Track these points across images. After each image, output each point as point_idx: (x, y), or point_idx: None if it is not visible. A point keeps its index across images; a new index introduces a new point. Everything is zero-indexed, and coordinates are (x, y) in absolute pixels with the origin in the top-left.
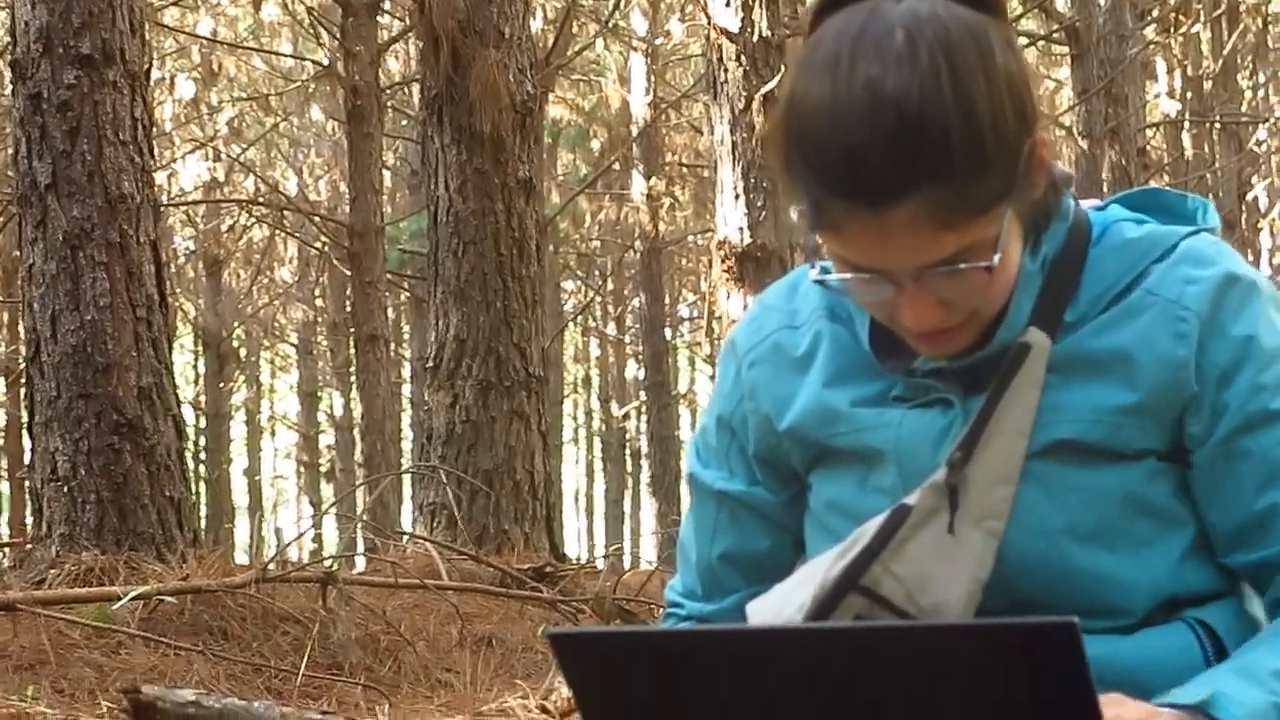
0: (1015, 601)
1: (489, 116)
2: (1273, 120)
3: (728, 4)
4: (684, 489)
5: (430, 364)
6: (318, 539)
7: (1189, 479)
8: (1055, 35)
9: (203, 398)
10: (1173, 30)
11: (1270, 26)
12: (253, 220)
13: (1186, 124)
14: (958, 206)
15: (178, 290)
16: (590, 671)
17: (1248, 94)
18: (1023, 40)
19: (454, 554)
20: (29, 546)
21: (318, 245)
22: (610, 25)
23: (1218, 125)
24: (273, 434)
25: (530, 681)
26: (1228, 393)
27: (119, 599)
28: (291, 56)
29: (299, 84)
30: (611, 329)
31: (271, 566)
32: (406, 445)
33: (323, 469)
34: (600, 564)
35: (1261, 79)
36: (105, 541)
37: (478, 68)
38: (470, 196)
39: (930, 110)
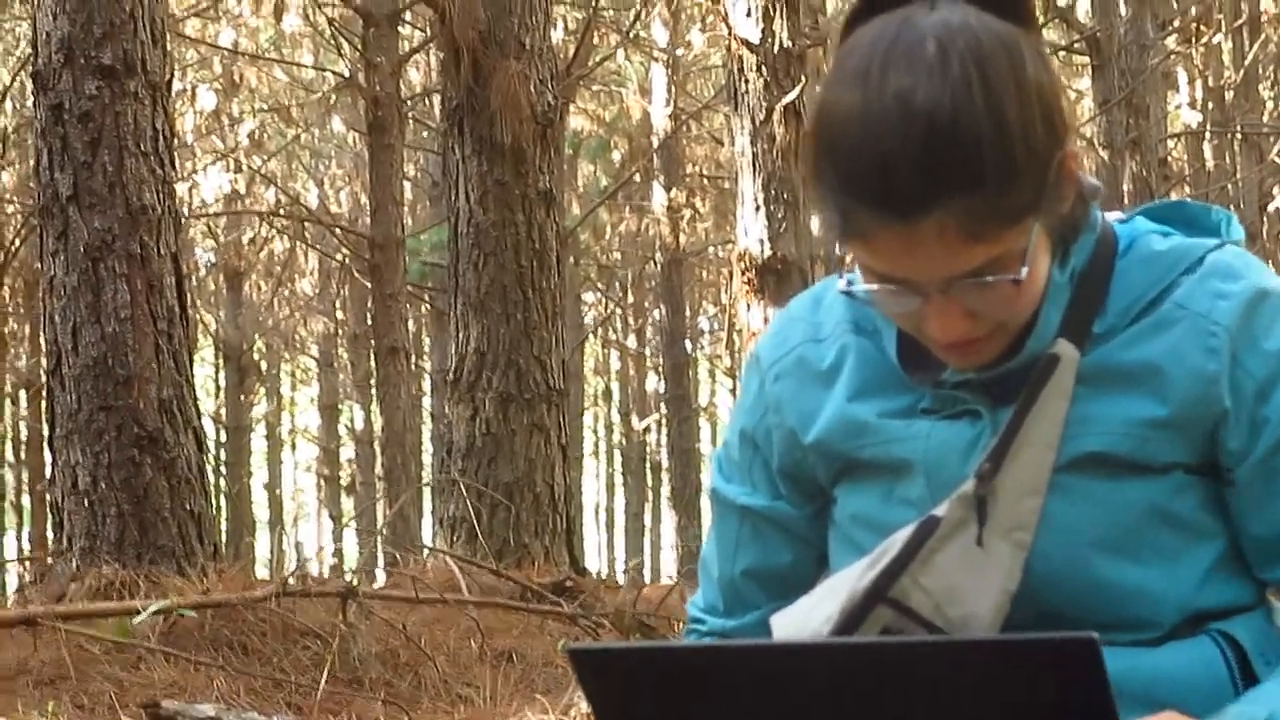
0: (1042, 614)
1: (510, 127)
2: None
3: (748, 14)
4: (704, 503)
5: (451, 377)
6: (338, 553)
7: (1226, 494)
8: (1076, 45)
9: (223, 411)
10: (1194, 40)
11: None
12: (273, 232)
13: (1208, 135)
14: (987, 217)
15: (198, 302)
16: (610, 687)
17: (1269, 104)
18: None
19: (474, 568)
20: (50, 560)
21: (338, 257)
22: (631, 36)
23: (1239, 136)
24: (293, 447)
25: (550, 696)
26: (1266, 407)
27: (139, 613)
28: (313, 68)
29: (320, 95)
30: (632, 341)
31: (292, 581)
32: (427, 458)
33: (343, 482)
34: (620, 578)
35: None
36: (126, 555)
37: (498, 79)
38: (491, 208)
39: (962, 121)
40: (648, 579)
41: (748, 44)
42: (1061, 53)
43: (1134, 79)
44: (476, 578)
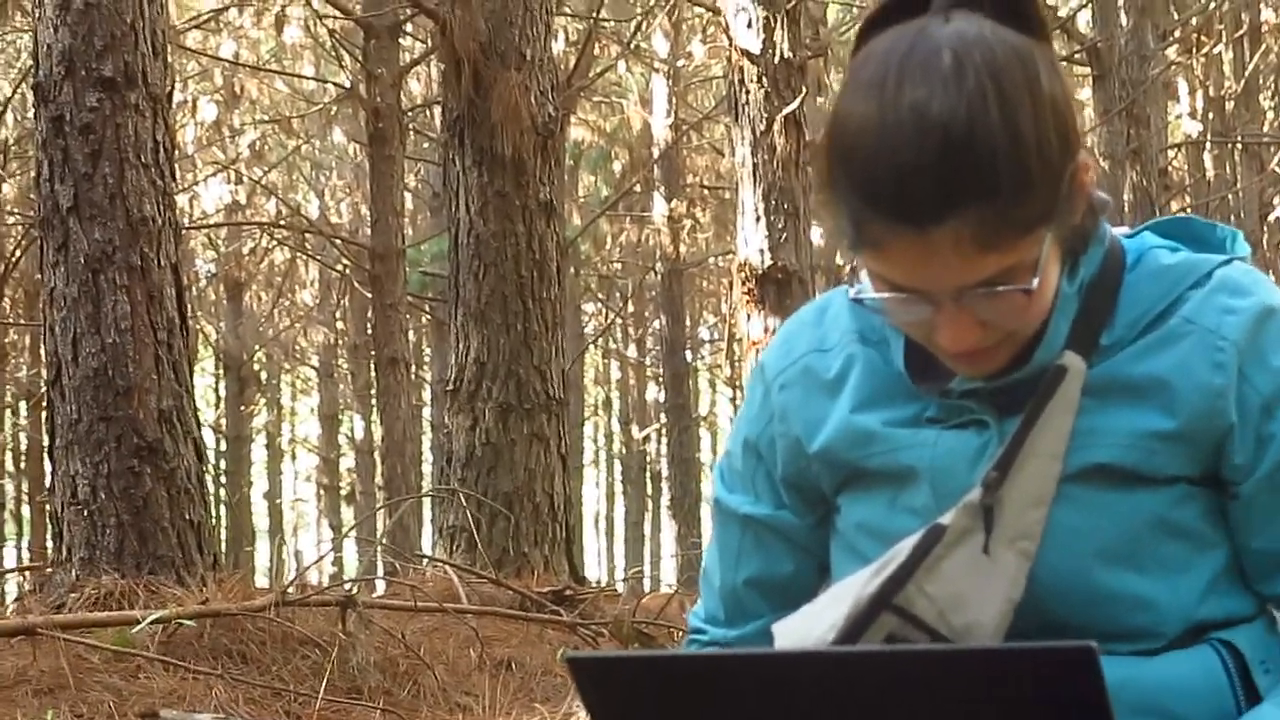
0: (1047, 623)
1: (510, 139)
2: None
3: (749, 25)
4: (704, 512)
5: (450, 387)
6: (338, 562)
7: (1230, 508)
8: (1077, 56)
9: (223, 421)
10: (1195, 51)
11: None
12: (274, 243)
13: (1208, 145)
14: (1001, 228)
15: (199, 313)
16: (609, 696)
17: (1270, 114)
18: None
19: (473, 577)
20: (49, 570)
21: (339, 268)
22: (632, 47)
23: (1240, 146)
24: (293, 457)
25: (549, 705)
26: (1272, 423)
27: (139, 623)
28: (313, 79)
29: (321, 107)
30: (632, 351)
31: (291, 590)
32: (427, 468)
33: (343, 492)
34: (620, 587)
35: None
36: (125, 565)
37: (499, 90)
38: (491, 219)
39: (977, 132)
40: (647, 588)
41: (748, 55)
42: (1062, 63)
43: (1134, 89)
44: (476, 587)
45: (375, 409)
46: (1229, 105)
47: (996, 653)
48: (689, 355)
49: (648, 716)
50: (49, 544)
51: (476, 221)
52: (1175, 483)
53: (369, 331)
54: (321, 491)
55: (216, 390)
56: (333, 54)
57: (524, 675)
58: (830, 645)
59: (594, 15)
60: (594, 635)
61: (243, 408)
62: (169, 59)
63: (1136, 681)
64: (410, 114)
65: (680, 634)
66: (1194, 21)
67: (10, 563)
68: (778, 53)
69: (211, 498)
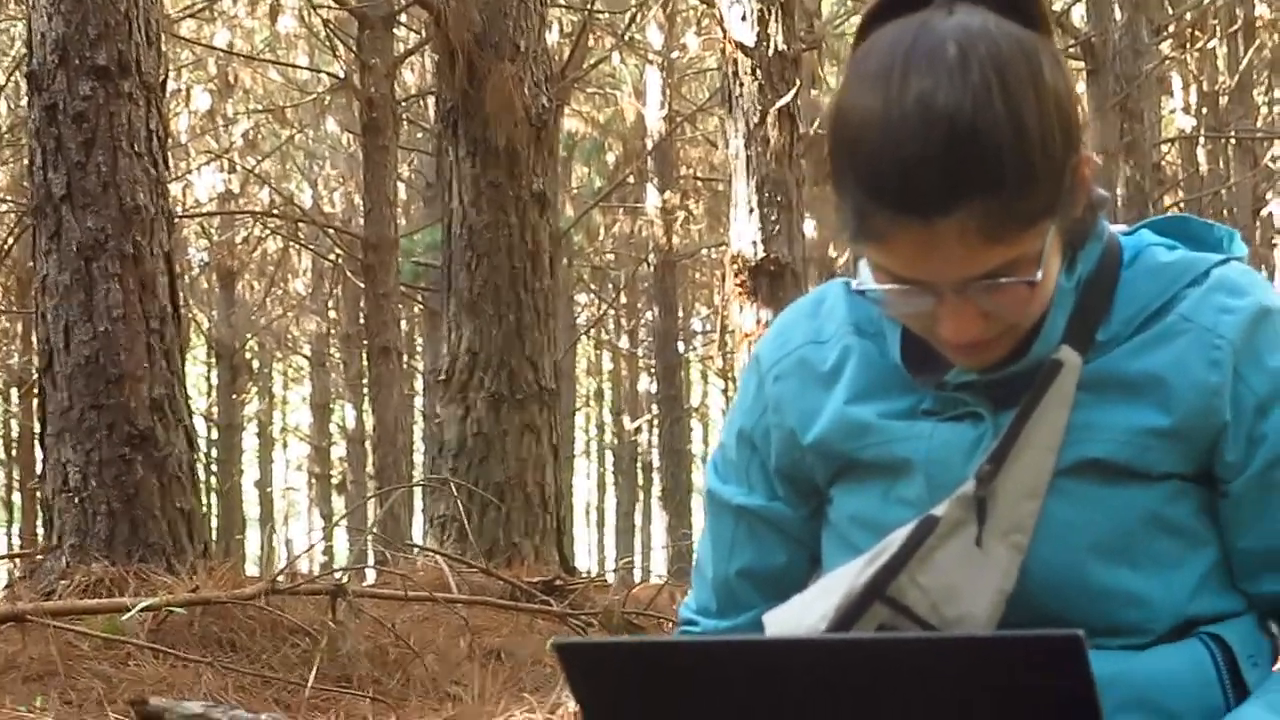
0: (1038, 617)
1: (504, 129)
2: None
3: (744, 18)
4: (695, 503)
5: (443, 376)
6: (328, 551)
7: (1219, 506)
8: (1071, 50)
9: (215, 409)
10: (1189, 45)
11: None
12: (267, 232)
13: (1202, 139)
14: (1006, 220)
15: (191, 302)
16: (597, 683)
17: (1263, 109)
18: None
19: (464, 567)
20: (39, 557)
21: (332, 257)
22: (626, 38)
23: (1233, 141)
24: (285, 446)
25: (538, 695)
26: (1265, 424)
27: (129, 610)
28: (307, 69)
29: (314, 96)
30: (624, 342)
31: (281, 578)
32: (418, 458)
33: (334, 481)
34: (610, 578)
35: (1277, 94)
36: (116, 552)
37: (493, 81)
38: (484, 209)
39: (982, 124)
40: (638, 579)
41: (743, 47)
42: None
43: (1128, 84)
44: (466, 576)
45: (367, 398)
46: (1222, 100)
47: (984, 640)
48: (681, 347)
49: (636, 703)
50: (40, 531)
51: (470, 212)
52: (1168, 479)
53: (361, 321)
54: (312, 480)
55: (208, 378)
56: (327, 44)
57: (514, 665)
58: (816, 633)
59: (588, 7)
60: (584, 625)
61: (234, 396)
62: (163, 48)
63: (1125, 675)
64: (404, 104)
65: (670, 625)
66: (1188, 16)
67: (0, 549)
68: (772, 45)
69: (202, 486)
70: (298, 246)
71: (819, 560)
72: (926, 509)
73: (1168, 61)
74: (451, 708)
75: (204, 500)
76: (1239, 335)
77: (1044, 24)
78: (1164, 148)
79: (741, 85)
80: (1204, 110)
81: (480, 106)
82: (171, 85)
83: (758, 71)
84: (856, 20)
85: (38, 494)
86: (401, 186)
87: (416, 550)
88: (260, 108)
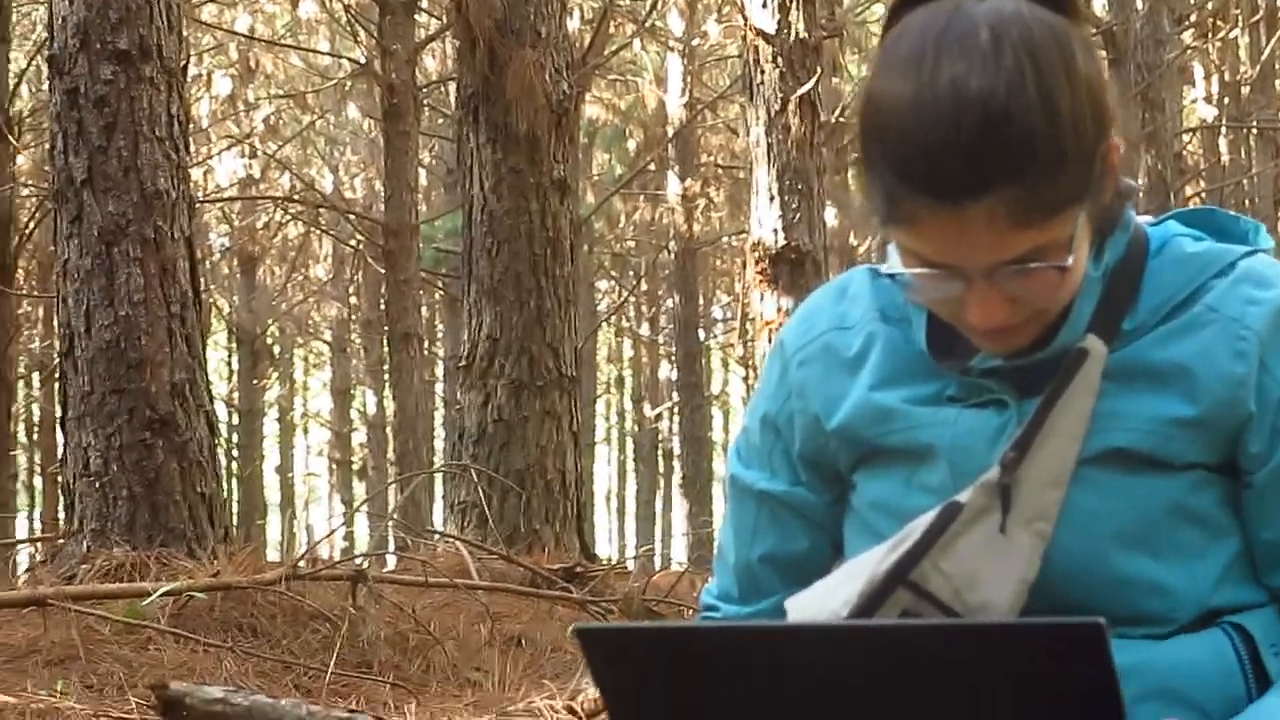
0: (1061, 605)
1: (525, 116)
2: None
3: (764, 5)
4: (716, 490)
5: (463, 363)
6: (349, 537)
7: (1243, 497)
8: (1092, 39)
9: (236, 394)
10: (1210, 35)
11: None
12: (288, 217)
13: (1223, 129)
14: (1036, 206)
15: (212, 286)
16: (619, 669)
17: None
18: None
19: (484, 553)
20: (60, 541)
21: (352, 243)
22: (647, 25)
23: (1254, 131)
24: (305, 431)
25: (558, 682)
26: None
27: (149, 595)
28: (328, 54)
29: (336, 82)
30: (645, 329)
31: (302, 564)
32: (439, 444)
33: (355, 467)
34: (630, 565)
35: None
36: (136, 537)
37: (514, 67)
38: (505, 195)
39: (1015, 109)
40: (658, 566)
41: (764, 35)
42: None
43: (1150, 73)
44: (487, 563)
45: (388, 384)
46: (1244, 90)
47: (1005, 628)
48: (702, 334)
49: (658, 689)
50: (60, 515)
51: (490, 198)
52: (1193, 469)
53: (382, 307)
54: (333, 466)
55: (229, 364)
56: (348, 29)
57: (534, 651)
58: (843, 619)
59: None
60: (604, 612)
61: (255, 381)
62: (184, 32)
63: (1147, 664)
64: (425, 90)
65: (690, 612)
66: (1210, 5)
67: (22, 534)
68: (793, 33)
69: (223, 471)
70: (318, 232)
71: (841, 546)
72: (949, 495)
73: (1189, 51)
74: (472, 694)
75: (225, 485)
76: (1265, 326)
77: (1075, 10)
78: (1185, 138)
79: (763, 73)
80: (1226, 100)
81: (501, 93)
82: (193, 70)
83: (779, 59)
84: (878, 8)
85: (58, 478)
86: (422, 172)
87: (437, 536)
88: (281, 93)
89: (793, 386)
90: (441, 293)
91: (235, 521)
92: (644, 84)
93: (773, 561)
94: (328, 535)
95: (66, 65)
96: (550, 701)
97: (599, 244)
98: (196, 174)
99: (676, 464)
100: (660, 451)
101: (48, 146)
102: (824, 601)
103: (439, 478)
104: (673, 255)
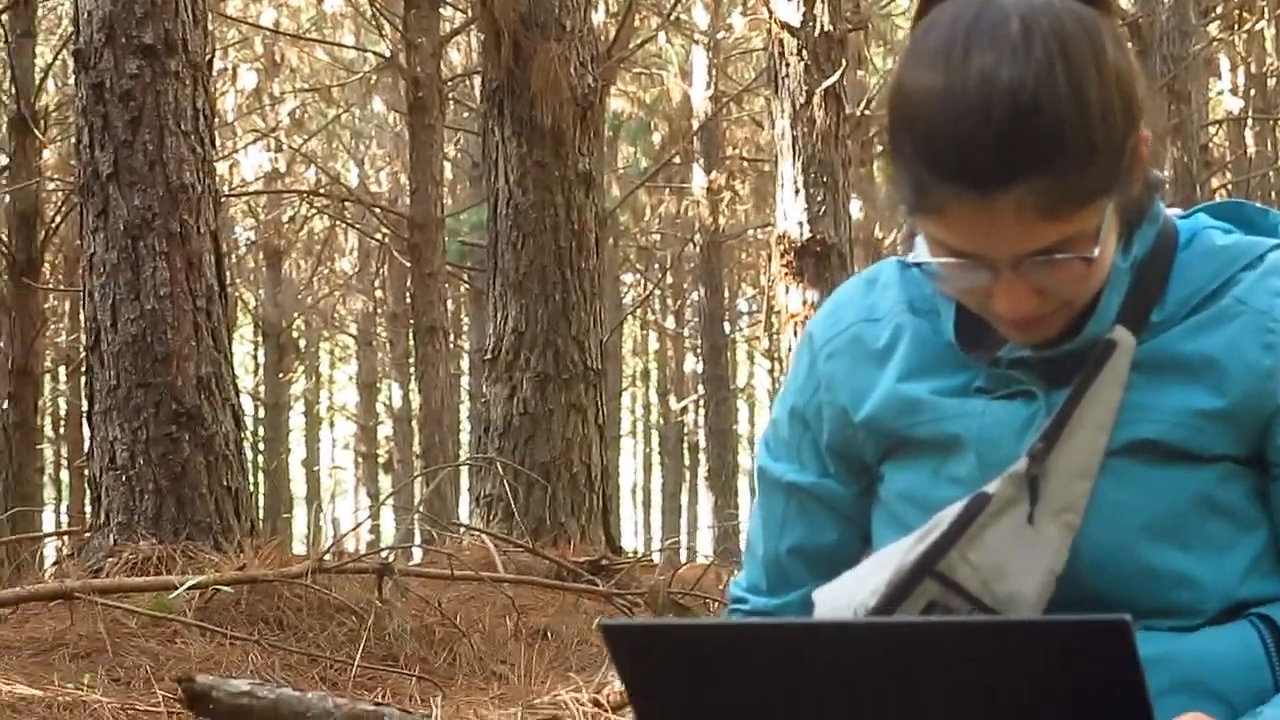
0: (1088, 597)
1: (550, 109)
2: None
3: None
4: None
5: (489, 356)
6: (375, 530)
7: (1270, 488)
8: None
9: (262, 388)
10: (1236, 27)
11: None
12: (313, 211)
13: (1249, 121)
14: (1064, 197)
15: (238, 280)
16: (644, 665)
17: None
18: None
19: (510, 546)
20: (87, 535)
21: (378, 237)
22: (672, 18)
23: None
24: (331, 425)
25: (584, 675)
26: None
27: (176, 588)
28: (353, 48)
29: (361, 75)
30: (670, 322)
31: (328, 557)
32: (464, 437)
33: (380, 460)
34: (656, 558)
35: None
36: (163, 530)
37: (539, 60)
38: (530, 189)
39: (1044, 100)
40: (684, 559)
41: (789, 28)
42: None
43: (1176, 65)
44: (512, 556)
45: (413, 377)
46: (1270, 82)
47: (1030, 625)
48: (727, 327)
49: (682, 685)
50: (87, 509)
51: (515, 191)
52: (1221, 461)
53: (407, 300)
54: (359, 459)
55: (255, 357)
56: (373, 23)
57: (559, 644)
58: (870, 612)
59: None
60: (630, 605)
61: (281, 375)
62: (209, 26)
63: (1174, 657)
64: (450, 84)
65: (716, 605)
66: None
67: (49, 527)
68: (818, 26)
69: (249, 464)
70: (344, 226)
71: (869, 539)
72: (977, 487)
73: (1215, 43)
74: (497, 687)
75: (251, 479)
76: None
77: (1105, 2)
78: (1211, 130)
79: (788, 66)
80: (1252, 92)
81: (526, 86)
82: (218, 64)
83: (804, 52)
84: (903, 0)
85: (85, 472)
86: (447, 166)
87: (463, 529)
88: (306, 87)
89: (821, 378)
90: (467, 286)
91: (261, 515)
92: (669, 77)
93: (801, 553)
94: (353, 529)
95: (92, 60)
96: (576, 695)
97: (624, 237)
98: (222, 168)
99: (702, 457)
100: (685, 444)
101: (73, 141)
102: (852, 593)
103: (464, 471)
104: (698, 248)
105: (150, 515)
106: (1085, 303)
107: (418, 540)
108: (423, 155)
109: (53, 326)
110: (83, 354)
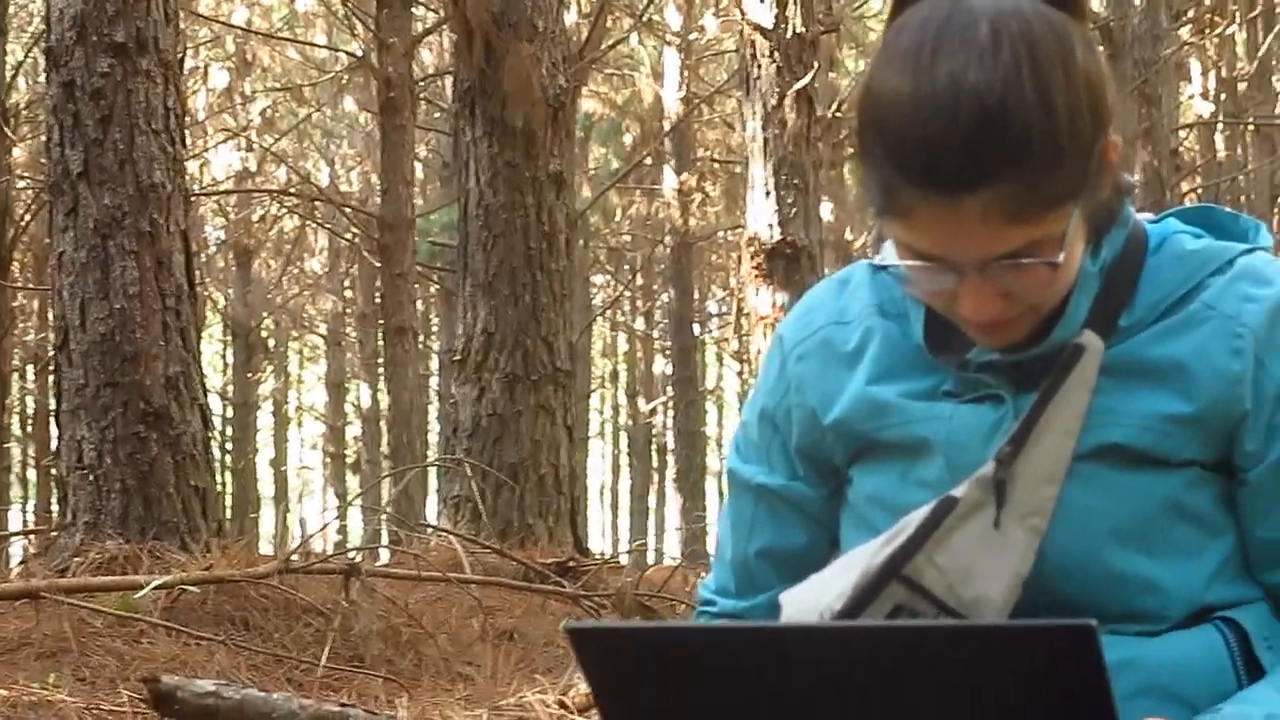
0: (1055, 601)
1: (521, 110)
2: None
3: (762, 0)
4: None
5: (458, 357)
6: (342, 530)
7: (1238, 494)
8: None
9: (230, 387)
10: (1208, 31)
11: None
12: (284, 211)
13: (1220, 125)
14: (1031, 201)
15: (207, 280)
16: (610, 668)
17: None
18: None
19: (477, 547)
20: (53, 534)
21: (348, 236)
22: (644, 20)
23: (1251, 127)
24: (299, 425)
25: (550, 677)
26: None
27: (142, 588)
28: (325, 47)
29: (332, 75)
30: (640, 324)
31: (295, 557)
32: (433, 438)
33: (349, 460)
34: (624, 559)
35: None
36: (129, 530)
37: (511, 61)
38: (501, 190)
39: (1011, 104)
40: (651, 561)
41: (761, 29)
42: None
43: (1147, 69)
44: (480, 557)
45: (382, 378)
46: (1241, 86)
47: (995, 629)
48: (697, 329)
49: (650, 688)
50: (54, 508)
51: (486, 192)
52: (1189, 466)
53: (377, 300)
54: (327, 459)
55: (224, 357)
56: (345, 22)
57: (526, 646)
58: (836, 615)
59: None
60: (597, 607)
61: (250, 375)
62: (180, 25)
63: (1139, 661)
64: (422, 84)
65: (683, 607)
66: (1207, 2)
67: (15, 526)
68: (790, 27)
69: (217, 464)
70: (314, 225)
71: (838, 542)
72: (945, 490)
73: (1186, 47)
74: (463, 688)
75: (218, 479)
76: (1262, 324)
77: (1077, 6)
78: (1182, 134)
79: (759, 67)
80: (1223, 96)
81: (498, 86)
82: (189, 63)
83: (776, 54)
84: (875, 3)
85: (52, 471)
86: (418, 166)
87: (430, 530)
88: (278, 86)
89: (791, 381)
90: (437, 286)
91: (228, 515)
92: (640, 78)
93: (770, 556)
94: (321, 529)
95: (63, 58)
96: (542, 696)
97: (594, 238)
98: (192, 167)
99: (670, 459)
100: (654, 446)
101: (44, 139)
102: (818, 596)
103: (433, 472)
104: (668, 250)
105: (117, 515)
106: (1052, 307)
107: (385, 541)
108: (394, 155)
109: (21, 325)
110: (51, 352)
